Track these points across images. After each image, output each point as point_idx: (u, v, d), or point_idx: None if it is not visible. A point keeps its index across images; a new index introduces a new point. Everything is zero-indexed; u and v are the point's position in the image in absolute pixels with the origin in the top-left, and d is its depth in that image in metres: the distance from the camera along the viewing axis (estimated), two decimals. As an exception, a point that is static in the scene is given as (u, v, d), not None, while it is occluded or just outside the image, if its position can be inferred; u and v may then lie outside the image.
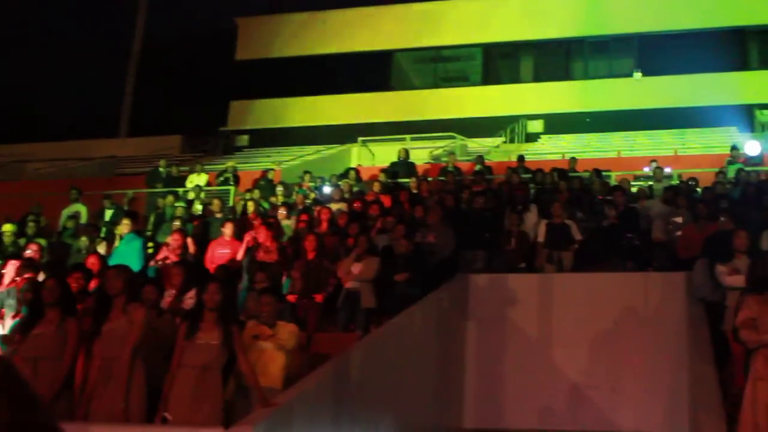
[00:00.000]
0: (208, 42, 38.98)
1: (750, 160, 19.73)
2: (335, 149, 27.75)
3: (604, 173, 18.42)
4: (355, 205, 15.87)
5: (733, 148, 20.70)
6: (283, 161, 25.27)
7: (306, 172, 21.31)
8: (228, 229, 13.12)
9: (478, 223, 13.62)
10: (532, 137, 29.86)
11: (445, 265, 12.55)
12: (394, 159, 21.32)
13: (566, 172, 18.25)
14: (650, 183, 17.53)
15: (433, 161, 24.58)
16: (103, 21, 42.49)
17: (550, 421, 10.18)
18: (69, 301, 7.62)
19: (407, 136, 26.09)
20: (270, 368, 7.89)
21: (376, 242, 13.07)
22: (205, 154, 30.32)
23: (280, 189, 18.55)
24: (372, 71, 33.24)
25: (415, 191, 17.04)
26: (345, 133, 29.01)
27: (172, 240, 12.65)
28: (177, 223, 14.15)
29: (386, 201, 16.61)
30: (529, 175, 18.27)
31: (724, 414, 7.05)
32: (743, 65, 31.11)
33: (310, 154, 27.00)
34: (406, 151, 21.48)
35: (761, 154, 20.37)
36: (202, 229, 14.39)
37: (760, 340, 6.98)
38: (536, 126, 30.47)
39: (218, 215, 15.63)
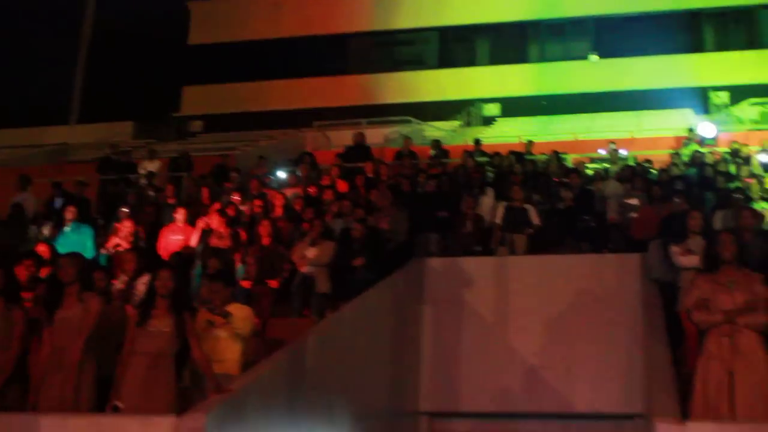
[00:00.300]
0: (160, 26, 38.54)
1: (705, 142, 19.98)
2: (290, 134, 27.62)
3: (559, 156, 18.54)
4: (310, 189, 15.82)
5: (690, 130, 20.95)
6: (237, 146, 25.08)
7: (261, 157, 21.19)
8: (181, 215, 13.05)
9: (433, 207, 13.63)
10: (488, 120, 29.94)
11: (401, 249, 12.56)
12: (350, 143, 21.25)
13: (523, 155, 18.36)
14: (606, 165, 17.67)
15: (389, 145, 24.57)
16: (52, 5, 41.86)
17: (507, 403, 10.25)
18: (14, 290, 7.52)
19: (363, 120, 26.02)
20: (226, 355, 7.86)
21: (331, 227, 13.05)
22: (157, 140, 30.01)
23: (234, 174, 18.42)
24: (327, 55, 33.11)
25: (371, 175, 17.01)
26: (300, 118, 28.86)
27: (124, 227, 12.56)
28: (128, 210, 14.02)
29: (342, 185, 16.57)
30: (485, 159, 18.33)
31: (676, 392, 7.14)
32: (698, 48, 31.43)
33: (264, 139, 26.84)
34: (362, 135, 21.42)
35: (716, 136, 20.63)
36: (155, 216, 14.27)
37: (712, 321, 7.07)
38: (492, 109, 30.56)
39: (171, 201, 15.49)
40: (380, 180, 16.41)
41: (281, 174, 18.76)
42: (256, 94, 32.30)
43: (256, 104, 32.04)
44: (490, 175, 16.34)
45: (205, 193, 15.73)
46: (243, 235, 12.97)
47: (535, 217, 13.12)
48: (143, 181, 18.74)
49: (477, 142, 21.31)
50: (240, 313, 8.21)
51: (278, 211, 14.36)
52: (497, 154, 18.28)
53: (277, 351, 7.69)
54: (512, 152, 18.46)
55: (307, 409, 7.49)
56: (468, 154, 18.45)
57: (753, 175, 14.41)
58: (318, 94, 31.25)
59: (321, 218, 12.93)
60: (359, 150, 20.73)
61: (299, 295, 11.83)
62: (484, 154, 19.33)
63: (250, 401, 6.62)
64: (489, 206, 13.92)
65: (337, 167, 18.03)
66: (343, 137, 23.65)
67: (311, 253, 11.98)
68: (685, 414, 6.74)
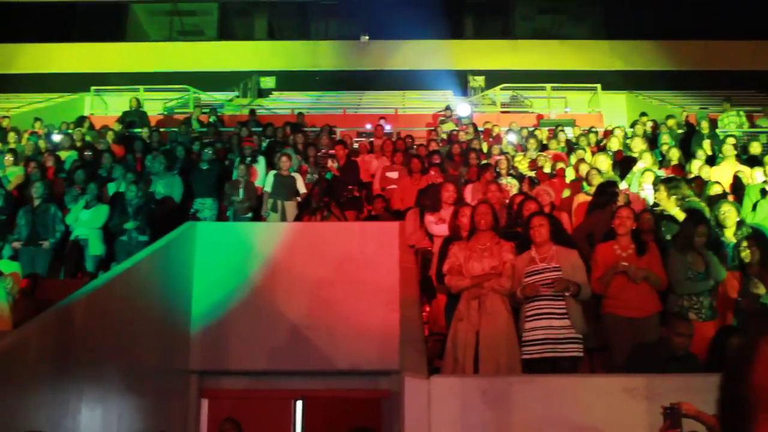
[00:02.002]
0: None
1: (461, 120, 20.72)
2: (67, 98, 26.46)
3: (330, 129, 18.75)
4: (86, 153, 15.25)
5: (447, 108, 21.67)
6: (12, 108, 23.77)
7: (36, 119, 20.24)
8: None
9: (209, 174, 13.47)
10: (264, 93, 29.81)
11: (175, 213, 12.36)
12: (127, 109, 20.69)
13: (299, 126, 18.47)
14: (372, 139, 18.02)
15: (166, 113, 24.08)
16: None
17: (274, 362, 10.29)
18: None
19: (141, 87, 25.27)
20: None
21: (106, 190, 12.68)
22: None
23: (12, 135, 17.46)
24: (107, 21, 31.87)
25: (147, 141, 16.62)
26: (78, 82, 27.64)
27: None
28: None
29: (119, 151, 16.11)
30: (260, 129, 18.30)
31: (426, 350, 7.42)
32: (460, 35, 32.53)
33: (40, 101, 25.58)
34: (138, 101, 20.93)
35: (471, 115, 21.44)
36: None
37: (462, 285, 7.40)
38: (269, 82, 30.43)
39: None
40: (156, 145, 16.07)
41: (56, 137, 17.96)
42: (33, 56, 30.60)
43: (33, 66, 30.37)
44: (264, 144, 16.32)
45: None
46: (16, 196, 12.37)
47: (302, 186, 13.26)
48: None
49: (252, 112, 21.25)
50: (8, 272, 7.85)
51: (51, 173, 13.77)
52: (270, 124, 18.30)
53: (46, 311, 7.38)
54: (288, 123, 18.53)
55: (75, 368, 7.25)
56: (241, 124, 18.37)
57: (502, 153, 15.09)
58: (97, 59, 30.00)
59: (96, 182, 12.53)
60: (136, 115, 20.24)
61: (72, 256, 11.43)
62: (258, 124, 19.28)
63: (15, 361, 6.33)
64: (261, 174, 13.93)
65: (113, 131, 17.52)
66: (121, 103, 22.95)
67: (85, 215, 11.60)
68: (437, 370, 7.03)
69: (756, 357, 1.17)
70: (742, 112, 19.56)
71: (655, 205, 10.39)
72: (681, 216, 9.27)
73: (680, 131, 17.59)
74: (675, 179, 10.69)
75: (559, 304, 7.18)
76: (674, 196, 9.77)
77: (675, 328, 6.74)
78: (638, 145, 14.27)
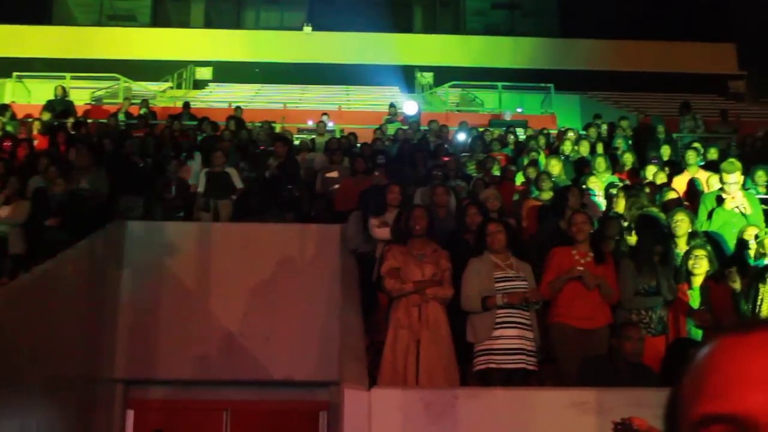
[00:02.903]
0: None
1: (408, 119, 20.79)
2: (-13, 83, 26.07)
3: (270, 125, 18.70)
4: (5, 144, 15.02)
5: (391, 105, 21.73)
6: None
7: (-48, 105, 19.89)
8: None
9: (137, 169, 13.35)
10: (200, 84, 29.62)
11: (101, 210, 12.22)
12: (52, 98, 20.41)
13: (243, 122, 18.40)
14: (313, 136, 18.01)
15: (94, 103, 23.81)
16: None
17: (205, 371, 10.24)
18: None
19: (67, 74, 24.94)
20: None
21: (27, 185, 12.49)
22: None
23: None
24: (31, 2, 31.36)
25: (73, 132, 16.42)
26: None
27: None
28: None
29: (43, 142, 15.90)
30: (194, 123, 18.19)
31: (367, 360, 7.44)
32: (408, 28, 32.63)
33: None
34: (64, 89, 20.64)
35: (418, 114, 21.51)
36: None
37: (401, 289, 7.41)
38: (205, 73, 30.24)
39: None
40: (82, 138, 15.89)
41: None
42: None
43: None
44: (199, 139, 16.22)
45: None
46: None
47: (238, 182, 13.18)
48: None
49: (186, 105, 21.09)
50: None
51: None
52: (205, 118, 18.18)
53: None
54: (231, 117, 18.43)
55: (-9, 375, 7.14)
56: (174, 117, 18.25)
57: (450, 154, 15.18)
58: (19, 43, 29.49)
59: (17, 175, 12.34)
60: (61, 104, 19.99)
61: (-9, 255, 11.26)
62: (193, 117, 19.17)
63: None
64: (196, 171, 13.84)
65: (37, 121, 17.28)
66: (45, 91, 22.61)
67: (4, 211, 11.43)
68: (375, 381, 7.04)
69: None
70: (698, 117, 19.94)
71: (608, 211, 10.53)
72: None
73: (631, 133, 17.85)
74: (635, 187, 10.84)
75: (527, 315, 7.30)
76: (634, 206, 9.93)
77: (624, 333, 6.84)
78: (588, 149, 14.48)
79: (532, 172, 12.47)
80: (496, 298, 7.29)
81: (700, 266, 8.31)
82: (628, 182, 12.62)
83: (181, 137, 15.09)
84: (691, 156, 13.13)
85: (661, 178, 12.64)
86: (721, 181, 10.19)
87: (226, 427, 10.65)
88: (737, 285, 7.78)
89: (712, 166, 12.92)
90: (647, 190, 11.47)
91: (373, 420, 6.35)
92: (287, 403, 10.29)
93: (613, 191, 11.03)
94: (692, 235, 9.22)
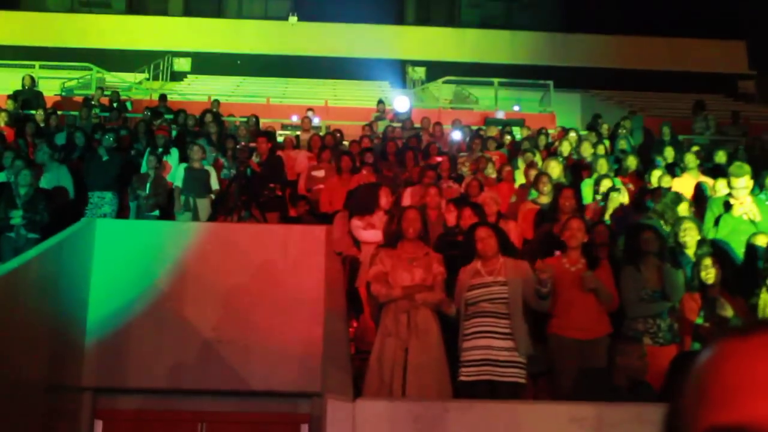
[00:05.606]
0: None
1: (398, 116, 20.76)
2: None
3: (251, 119, 18.65)
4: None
5: (380, 102, 21.69)
6: None
7: None
8: None
9: (109, 164, 13.29)
10: (177, 76, 29.55)
11: (70, 207, 12.19)
12: (20, 88, 20.37)
13: (221, 116, 18.35)
14: (298, 133, 17.96)
15: (65, 94, 23.75)
16: None
17: (179, 380, 10.18)
18: None
19: (36, 63, 24.86)
20: None
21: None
22: None
23: None
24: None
25: (42, 125, 16.38)
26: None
27: None
28: None
29: (9, 134, 15.83)
30: (170, 116, 18.13)
31: (351, 369, 7.40)
32: (399, 20, 32.58)
33: None
34: (32, 79, 20.61)
35: (409, 110, 21.49)
36: None
37: (389, 294, 7.37)
38: (183, 64, 30.18)
39: None
40: (53, 130, 15.86)
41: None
42: None
43: None
44: (174, 134, 16.17)
45: None
46: None
47: (215, 181, 13.16)
48: None
49: (163, 97, 21.04)
50: None
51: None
52: (182, 111, 18.12)
53: None
54: (208, 110, 18.36)
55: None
56: (150, 110, 18.20)
57: (443, 154, 15.17)
58: (-15, 30, 29.44)
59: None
60: (29, 94, 19.95)
61: (-50, 254, 11.19)
62: (169, 110, 19.12)
63: None
64: (172, 167, 13.80)
65: (6, 112, 17.23)
66: (12, 80, 22.53)
67: (-33, 207, 11.36)
68: (361, 392, 7.00)
69: None
70: (710, 117, 19.99)
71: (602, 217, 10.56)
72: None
73: (634, 134, 17.89)
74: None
75: (503, 323, 7.17)
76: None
77: (623, 349, 6.83)
78: (589, 150, 14.50)
79: (531, 174, 12.46)
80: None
81: (712, 276, 8.25)
82: (631, 186, 12.65)
83: (160, 131, 15.03)
84: (690, 159, 13.17)
85: (667, 182, 12.66)
86: (729, 185, 10.16)
87: (202, 439, 10.61)
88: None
89: (720, 170, 12.93)
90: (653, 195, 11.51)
91: (358, 433, 6.31)
92: (267, 414, 10.24)
93: (614, 194, 11.06)
94: (701, 243, 9.20)
